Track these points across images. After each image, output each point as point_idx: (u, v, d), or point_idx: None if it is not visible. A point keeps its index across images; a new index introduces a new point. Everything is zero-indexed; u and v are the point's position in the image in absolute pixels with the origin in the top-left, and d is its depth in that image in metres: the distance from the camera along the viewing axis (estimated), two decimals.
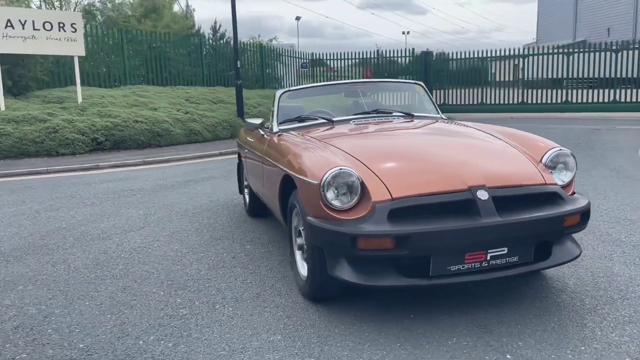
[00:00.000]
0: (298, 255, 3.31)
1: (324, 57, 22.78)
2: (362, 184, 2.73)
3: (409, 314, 2.91)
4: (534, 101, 19.19)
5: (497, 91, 19.96)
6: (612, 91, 17.79)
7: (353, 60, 22.32)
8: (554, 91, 19.00)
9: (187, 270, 3.85)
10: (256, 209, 5.30)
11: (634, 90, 17.48)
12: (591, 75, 18.10)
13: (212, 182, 7.70)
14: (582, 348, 2.49)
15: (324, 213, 2.73)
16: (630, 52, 17.67)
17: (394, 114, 4.21)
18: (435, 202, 2.67)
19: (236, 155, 6.03)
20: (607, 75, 17.78)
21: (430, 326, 2.75)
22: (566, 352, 2.45)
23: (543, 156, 3.07)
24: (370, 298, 3.13)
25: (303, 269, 3.23)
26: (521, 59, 19.75)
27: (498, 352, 2.47)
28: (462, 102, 20.24)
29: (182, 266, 3.95)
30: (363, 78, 23.00)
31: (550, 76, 18.98)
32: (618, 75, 17.73)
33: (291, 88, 4.45)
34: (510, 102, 19.47)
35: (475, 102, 20.05)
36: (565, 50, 18.78)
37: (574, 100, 17.83)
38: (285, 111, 4.26)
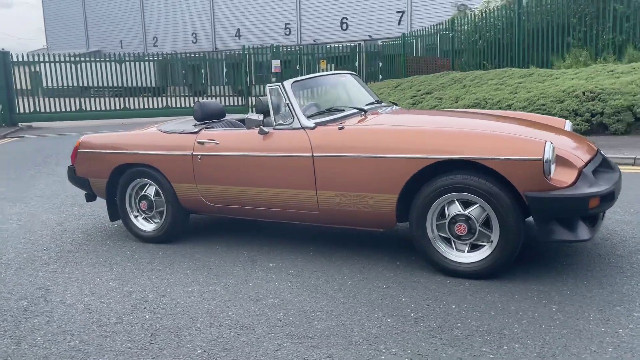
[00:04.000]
0: (445, 244, 3.35)
1: None
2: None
3: (561, 263, 3.50)
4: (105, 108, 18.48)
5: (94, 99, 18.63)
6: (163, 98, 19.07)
7: None
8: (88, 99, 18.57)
9: (274, 314, 3.12)
10: (178, 230, 4.33)
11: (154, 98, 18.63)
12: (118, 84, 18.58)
13: None
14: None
15: (545, 185, 3.00)
16: (146, 63, 19.07)
17: (382, 103, 4.41)
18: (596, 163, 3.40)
19: None
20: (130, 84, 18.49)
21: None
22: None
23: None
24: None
25: (468, 254, 3.29)
26: (41, 65, 18.41)
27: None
28: (61, 109, 17.79)
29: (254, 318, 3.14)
30: None
31: (74, 84, 18.26)
32: (139, 84, 18.62)
33: (298, 79, 3.94)
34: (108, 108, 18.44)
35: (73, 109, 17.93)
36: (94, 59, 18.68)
37: (132, 107, 18.27)
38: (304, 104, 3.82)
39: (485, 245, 3.25)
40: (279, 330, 2.76)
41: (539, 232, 3.12)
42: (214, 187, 4.02)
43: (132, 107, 18.45)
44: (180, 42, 40.73)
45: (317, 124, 3.70)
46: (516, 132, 3.33)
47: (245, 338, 2.69)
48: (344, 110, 3.96)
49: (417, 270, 3.47)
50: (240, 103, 19.38)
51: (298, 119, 3.73)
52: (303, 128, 3.70)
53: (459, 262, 3.30)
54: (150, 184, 4.34)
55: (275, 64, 18.60)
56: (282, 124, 3.79)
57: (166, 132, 4.27)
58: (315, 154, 3.58)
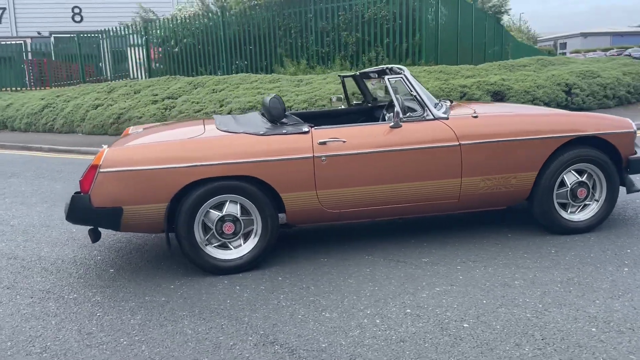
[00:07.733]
0: (561, 208, 3.92)
1: None
2: None
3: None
4: None
5: None
6: None
7: None
8: None
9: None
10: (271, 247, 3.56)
11: None
12: None
13: None
14: None
15: (633, 150, 3.98)
16: None
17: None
18: None
19: None
20: None
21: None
22: None
23: None
24: None
25: (579, 214, 3.95)
26: None
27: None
28: None
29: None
30: None
31: None
32: None
33: (404, 69, 3.68)
34: None
35: None
36: None
37: None
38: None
39: (590, 204, 4.01)
40: (595, 295, 2.94)
41: (628, 186, 4.07)
42: (340, 191, 3.51)
43: None
44: None
45: (447, 114, 3.75)
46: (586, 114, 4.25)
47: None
48: (438, 102, 4.06)
49: (539, 235, 3.94)
50: None
51: (430, 110, 3.69)
52: (437, 119, 3.69)
53: (576, 221, 3.95)
54: (230, 201, 3.42)
55: None
56: (411, 116, 3.67)
57: (262, 135, 3.44)
58: (462, 143, 3.65)
